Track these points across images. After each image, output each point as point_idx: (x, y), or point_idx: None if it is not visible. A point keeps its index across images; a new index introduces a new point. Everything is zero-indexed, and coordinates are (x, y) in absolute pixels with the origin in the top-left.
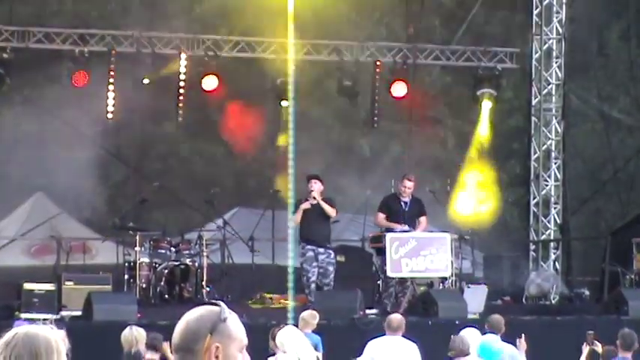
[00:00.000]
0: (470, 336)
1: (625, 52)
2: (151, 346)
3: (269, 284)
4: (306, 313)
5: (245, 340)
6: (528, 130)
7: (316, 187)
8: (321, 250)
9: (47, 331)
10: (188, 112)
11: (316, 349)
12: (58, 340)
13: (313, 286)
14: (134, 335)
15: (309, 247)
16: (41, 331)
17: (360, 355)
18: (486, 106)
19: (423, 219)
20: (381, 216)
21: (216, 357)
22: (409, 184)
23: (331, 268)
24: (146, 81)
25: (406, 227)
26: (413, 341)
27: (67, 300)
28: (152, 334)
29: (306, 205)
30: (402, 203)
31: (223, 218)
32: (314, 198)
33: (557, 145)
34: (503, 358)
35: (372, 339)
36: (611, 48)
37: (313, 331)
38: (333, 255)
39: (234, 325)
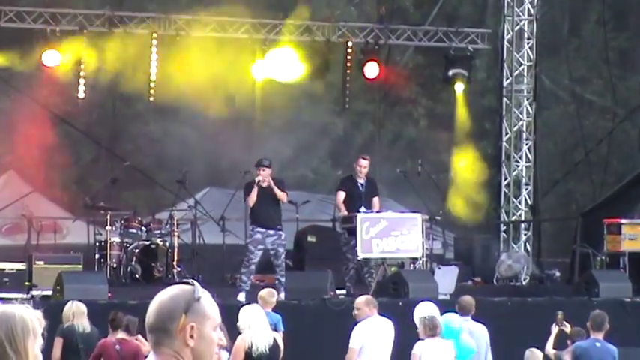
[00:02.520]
0: (429, 310)
1: (599, 34)
2: (125, 327)
3: (240, 264)
4: (264, 292)
5: (218, 319)
6: (499, 111)
7: (264, 173)
8: (271, 232)
9: (24, 310)
10: (160, 92)
11: (276, 328)
12: (34, 319)
13: (253, 267)
14: (72, 310)
15: (258, 229)
16: (18, 311)
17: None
18: (459, 87)
19: (375, 200)
20: (342, 194)
21: (191, 336)
22: (364, 163)
23: (282, 249)
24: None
25: (363, 209)
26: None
27: (38, 279)
28: (128, 316)
29: (264, 184)
30: (359, 185)
31: (194, 198)
32: (263, 182)
33: (529, 126)
34: (464, 336)
35: (356, 323)
36: (584, 30)
37: (273, 310)
38: (283, 236)
39: (208, 303)
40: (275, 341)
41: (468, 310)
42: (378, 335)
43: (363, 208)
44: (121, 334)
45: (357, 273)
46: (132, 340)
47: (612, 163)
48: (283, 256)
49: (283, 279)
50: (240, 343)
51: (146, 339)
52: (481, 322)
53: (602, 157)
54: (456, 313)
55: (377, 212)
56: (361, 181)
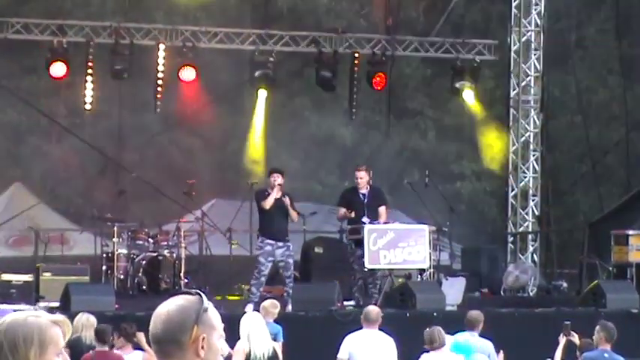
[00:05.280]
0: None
1: (606, 44)
2: (100, 338)
3: (247, 275)
4: (267, 302)
5: (222, 329)
6: (507, 122)
7: (279, 180)
8: (280, 244)
9: (34, 318)
10: (166, 103)
11: (276, 338)
12: (47, 328)
13: (263, 279)
14: (81, 322)
15: (268, 241)
16: (28, 319)
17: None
18: (467, 96)
19: (382, 209)
20: (341, 210)
21: (202, 347)
22: (360, 175)
23: (291, 261)
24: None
25: (366, 220)
26: (390, 334)
27: (45, 291)
28: (101, 325)
29: (277, 194)
30: (361, 195)
31: (201, 210)
32: (283, 195)
33: (536, 137)
34: (476, 353)
35: (349, 333)
36: (591, 40)
37: (276, 321)
38: (291, 248)
39: (214, 314)
40: (274, 351)
41: (475, 325)
42: (369, 348)
43: (365, 219)
44: (119, 344)
45: (364, 284)
46: (111, 351)
47: (619, 173)
48: (292, 267)
49: (292, 291)
50: (240, 349)
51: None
52: (488, 335)
53: (608, 167)
54: (465, 328)
55: (384, 223)
56: (363, 191)
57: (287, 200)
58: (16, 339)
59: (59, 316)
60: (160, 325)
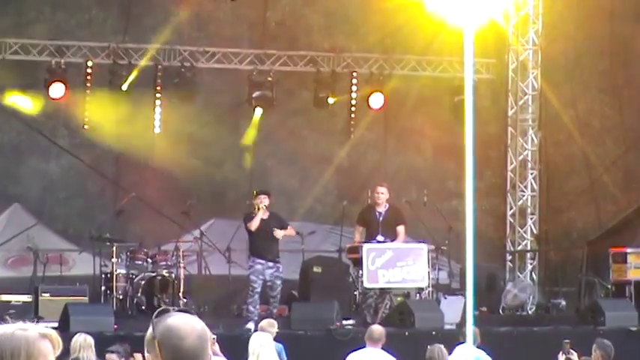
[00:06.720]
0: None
1: (604, 62)
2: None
3: (245, 295)
4: (264, 322)
5: None
6: (505, 140)
7: (266, 202)
8: (270, 264)
9: (22, 332)
10: (165, 122)
11: (280, 356)
12: (36, 341)
13: (257, 297)
14: (79, 342)
15: (258, 261)
16: (16, 333)
17: None
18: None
19: (399, 229)
20: (359, 229)
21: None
22: (380, 190)
23: (279, 282)
24: None
25: (381, 238)
26: (389, 352)
27: (44, 311)
28: (116, 346)
29: (264, 215)
30: (377, 213)
31: (200, 229)
32: (270, 216)
33: (534, 155)
34: None
35: (351, 351)
36: (590, 59)
37: (274, 339)
38: (281, 269)
39: None
40: None
41: (476, 336)
42: None
43: (380, 237)
44: None
45: (364, 300)
46: None
47: (617, 191)
48: (280, 288)
49: (275, 310)
50: None
51: None
52: (486, 352)
53: (606, 185)
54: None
55: (403, 242)
56: (380, 209)
57: (278, 233)
58: (3, 353)
59: (48, 330)
60: (197, 341)
